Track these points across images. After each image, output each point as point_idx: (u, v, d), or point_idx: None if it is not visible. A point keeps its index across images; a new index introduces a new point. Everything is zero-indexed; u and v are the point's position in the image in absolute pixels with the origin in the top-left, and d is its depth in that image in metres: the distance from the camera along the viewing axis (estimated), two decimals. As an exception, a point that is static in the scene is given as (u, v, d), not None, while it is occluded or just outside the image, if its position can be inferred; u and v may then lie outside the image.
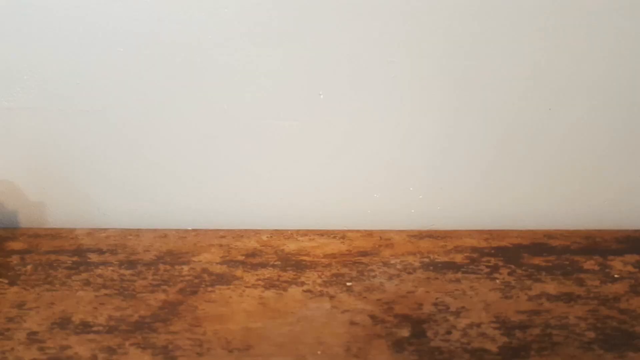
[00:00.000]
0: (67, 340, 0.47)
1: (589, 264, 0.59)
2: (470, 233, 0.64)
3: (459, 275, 0.57)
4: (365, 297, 0.53)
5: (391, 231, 0.65)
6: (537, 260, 0.59)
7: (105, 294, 0.54)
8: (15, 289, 0.55)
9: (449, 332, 0.48)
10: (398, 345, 0.47)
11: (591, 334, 0.48)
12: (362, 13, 0.60)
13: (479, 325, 0.49)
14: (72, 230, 0.66)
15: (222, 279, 0.56)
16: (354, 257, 0.60)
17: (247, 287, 0.55)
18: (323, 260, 0.60)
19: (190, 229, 0.67)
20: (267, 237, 0.64)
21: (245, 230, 0.66)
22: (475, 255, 0.60)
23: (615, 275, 0.56)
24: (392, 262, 0.59)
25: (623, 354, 0.46)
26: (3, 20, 0.61)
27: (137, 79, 0.63)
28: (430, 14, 0.60)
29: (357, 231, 0.66)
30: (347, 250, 0.62)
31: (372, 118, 0.64)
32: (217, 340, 0.47)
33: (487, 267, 0.59)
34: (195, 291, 0.54)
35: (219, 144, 0.66)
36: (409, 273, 0.58)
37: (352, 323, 0.49)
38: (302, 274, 0.57)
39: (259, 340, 0.47)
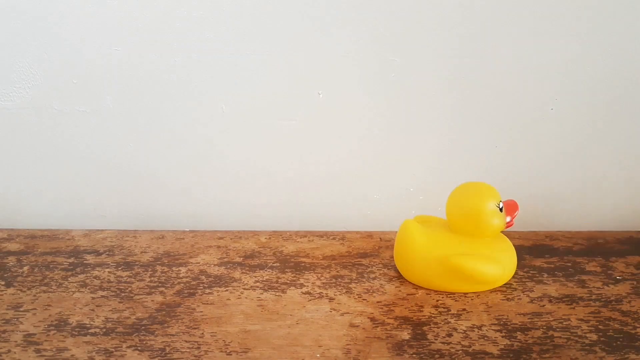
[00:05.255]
0: (64, 342, 0.47)
1: (591, 265, 0.58)
2: (470, 234, 0.64)
3: (460, 276, 0.57)
4: (365, 299, 0.53)
5: (391, 232, 0.64)
6: (538, 262, 0.59)
7: (102, 296, 0.53)
8: (11, 290, 0.54)
9: (449, 335, 0.48)
10: (398, 347, 0.46)
11: (593, 336, 0.47)
12: (362, 13, 0.60)
13: (480, 327, 0.49)
14: (68, 231, 0.66)
15: (220, 281, 0.56)
16: (354, 259, 0.60)
17: (245, 288, 0.54)
18: (322, 261, 0.59)
19: (188, 230, 0.66)
20: (266, 238, 0.64)
21: (244, 231, 0.66)
22: (476, 256, 0.60)
23: (618, 277, 0.56)
24: (392, 263, 0.59)
25: (625, 356, 0.45)
26: (3, 20, 0.61)
27: (137, 79, 0.63)
28: (430, 14, 0.60)
29: (357, 232, 0.65)
30: (346, 252, 0.61)
31: (372, 118, 0.64)
32: (215, 343, 0.47)
33: (488, 268, 0.58)
34: (192, 293, 0.54)
35: (219, 144, 0.66)
36: (409, 274, 0.57)
37: (352, 325, 0.49)
38: (301, 276, 0.57)
39: (258, 342, 0.47)
